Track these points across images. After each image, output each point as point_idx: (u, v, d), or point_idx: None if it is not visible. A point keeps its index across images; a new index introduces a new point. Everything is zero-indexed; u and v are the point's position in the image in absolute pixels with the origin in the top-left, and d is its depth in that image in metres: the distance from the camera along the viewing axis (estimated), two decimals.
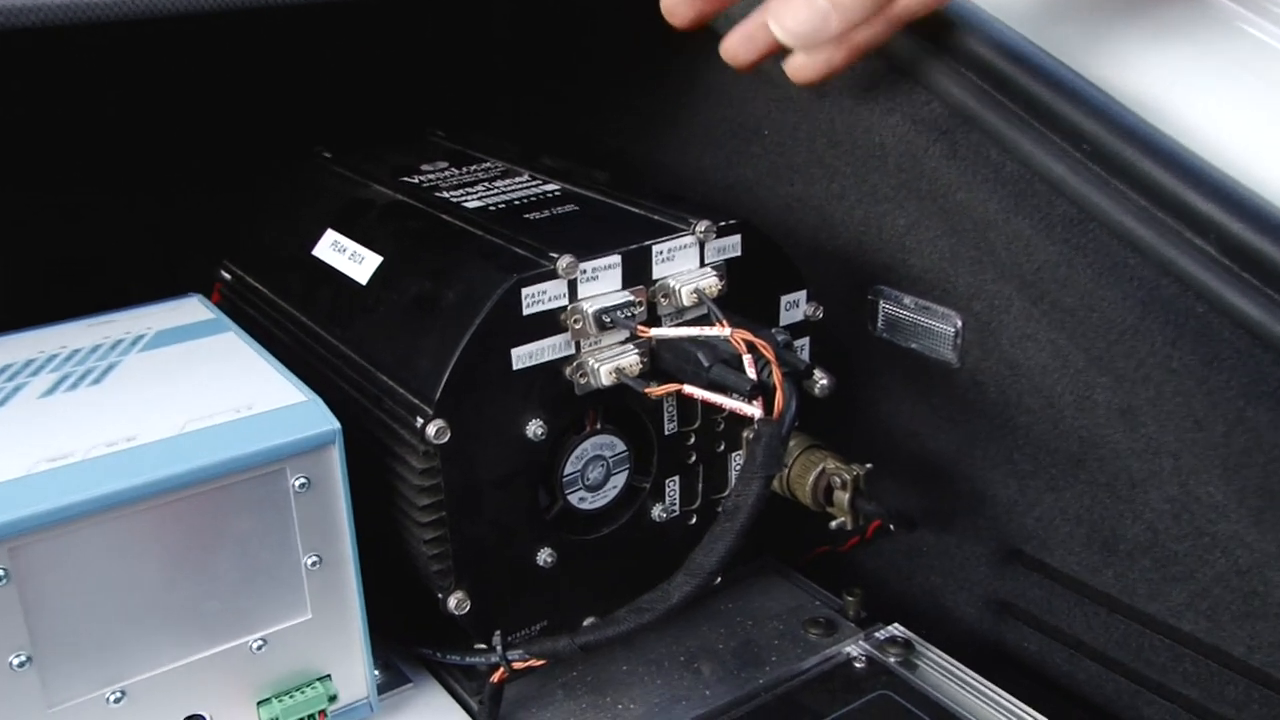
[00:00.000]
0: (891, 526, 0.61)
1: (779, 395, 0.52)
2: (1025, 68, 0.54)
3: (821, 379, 0.57)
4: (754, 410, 0.52)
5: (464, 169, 0.71)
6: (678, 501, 0.63)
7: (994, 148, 0.56)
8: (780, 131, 0.71)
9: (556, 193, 0.65)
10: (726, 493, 0.64)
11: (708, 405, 0.59)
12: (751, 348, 0.53)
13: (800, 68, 0.58)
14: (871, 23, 0.55)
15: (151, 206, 0.84)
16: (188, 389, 0.54)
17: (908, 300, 0.66)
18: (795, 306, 0.63)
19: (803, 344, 0.64)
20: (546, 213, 0.62)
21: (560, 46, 0.89)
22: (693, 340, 0.54)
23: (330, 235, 0.65)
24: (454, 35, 0.92)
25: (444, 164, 0.73)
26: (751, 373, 0.52)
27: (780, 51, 0.59)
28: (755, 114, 0.72)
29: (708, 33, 0.69)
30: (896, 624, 0.64)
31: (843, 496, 0.60)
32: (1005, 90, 0.55)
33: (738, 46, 0.61)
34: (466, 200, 0.64)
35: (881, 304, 0.68)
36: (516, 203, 0.63)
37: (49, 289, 0.81)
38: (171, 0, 0.53)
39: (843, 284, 0.69)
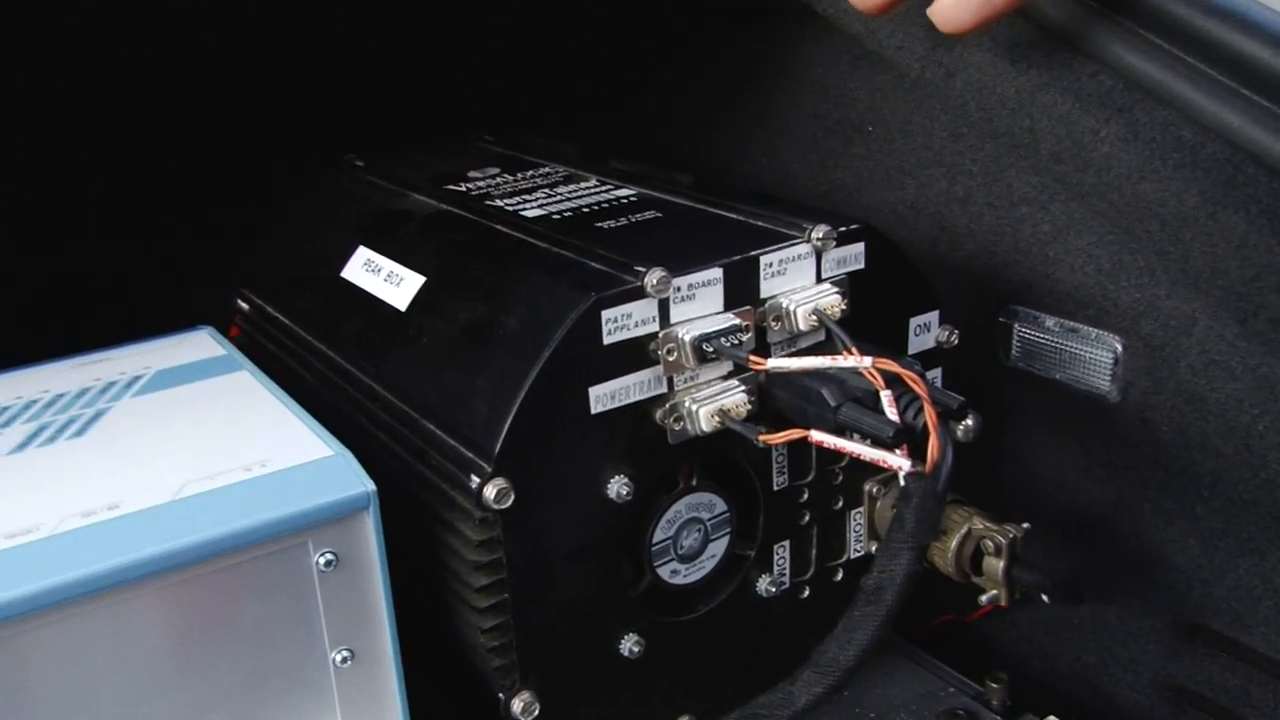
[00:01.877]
0: (1045, 598, 0.51)
1: (933, 442, 0.41)
2: (1229, 21, 0.43)
3: (967, 419, 0.47)
4: (901, 462, 0.41)
5: (519, 175, 0.62)
6: (788, 572, 0.52)
7: (1189, 126, 0.45)
8: (889, 126, 0.61)
9: (633, 198, 0.55)
10: (843, 558, 0.54)
11: (824, 455, 0.49)
12: (893, 382, 0.42)
13: (955, 7, 0.47)
14: None
15: (163, 226, 0.78)
16: (188, 442, 0.46)
17: (1050, 322, 0.56)
18: (926, 330, 0.53)
19: (935, 376, 0.54)
20: (624, 220, 0.52)
21: (622, 39, 0.80)
22: (814, 374, 0.44)
23: (362, 253, 0.56)
24: (502, 27, 0.84)
25: (495, 170, 0.63)
26: (893, 414, 0.42)
27: None
28: (858, 107, 0.63)
29: (796, 10, 0.60)
30: (1054, 717, 0.53)
31: (996, 564, 0.49)
32: (1201, 52, 0.45)
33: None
34: (525, 208, 0.55)
35: (1017, 327, 0.58)
36: (586, 210, 0.54)
37: (45, 322, 0.75)
38: None
39: (968, 304, 0.59)
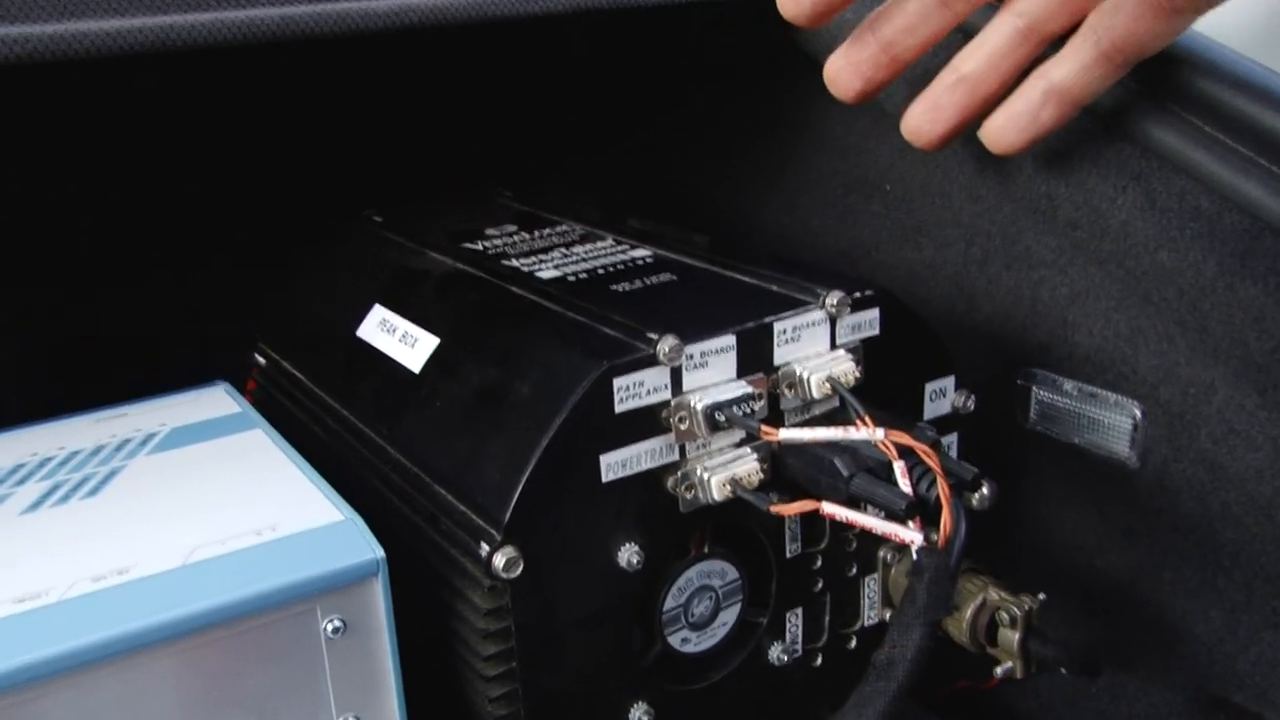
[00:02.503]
0: (1063, 670, 0.50)
1: (945, 516, 0.40)
2: (1248, 91, 0.43)
3: (982, 488, 0.46)
4: (914, 536, 0.40)
5: (536, 233, 0.61)
6: (800, 639, 0.51)
7: (1206, 195, 0.45)
8: (907, 186, 0.61)
9: (648, 259, 0.55)
10: (857, 626, 0.53)
11: (838, 522, 0.48)
12: (906, 453, 0.41)
13: (1004, 130, 0.48)
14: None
15: (184, 277, 0.77)
16: (200, 504, 0.46)
17: (1069, 386, 0.55)
18: (942, 396, 0.52)
19: (950, 441, 0.53)
20: (639, 283, 0.51)
21: (642, 94, 0.80)
22: (827, 443, 0.43)
23: (378, 312, 0.56)
24: (520, 83, 0.84)
25: (512, 227, 0.63)
26: (906, 485, 0.41)
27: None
28: (877, 166, 0.62)
29: (817, 70, 0.60)
30: None
31: (1011, 636, 0.48)
32: (1219, 121, 0.44)
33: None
34: (540, 269, 0.54)
35: (1035, 390, 0.57)
36: (601, 271, 0.53)
37: (67, 376, 0.74)
38: (199, 32, 0.44)
39: (986, 367, 0.58)
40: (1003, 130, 0.47)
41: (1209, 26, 0.45)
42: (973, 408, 0.53)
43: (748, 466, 0.45)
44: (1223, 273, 0.45)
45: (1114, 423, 0.54)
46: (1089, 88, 0.45)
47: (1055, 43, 0.46)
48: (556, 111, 0.85)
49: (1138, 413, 0.52)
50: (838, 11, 0.48)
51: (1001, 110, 0.48)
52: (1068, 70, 0.45)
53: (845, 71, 0.50)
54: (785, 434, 0.43)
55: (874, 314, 0.49)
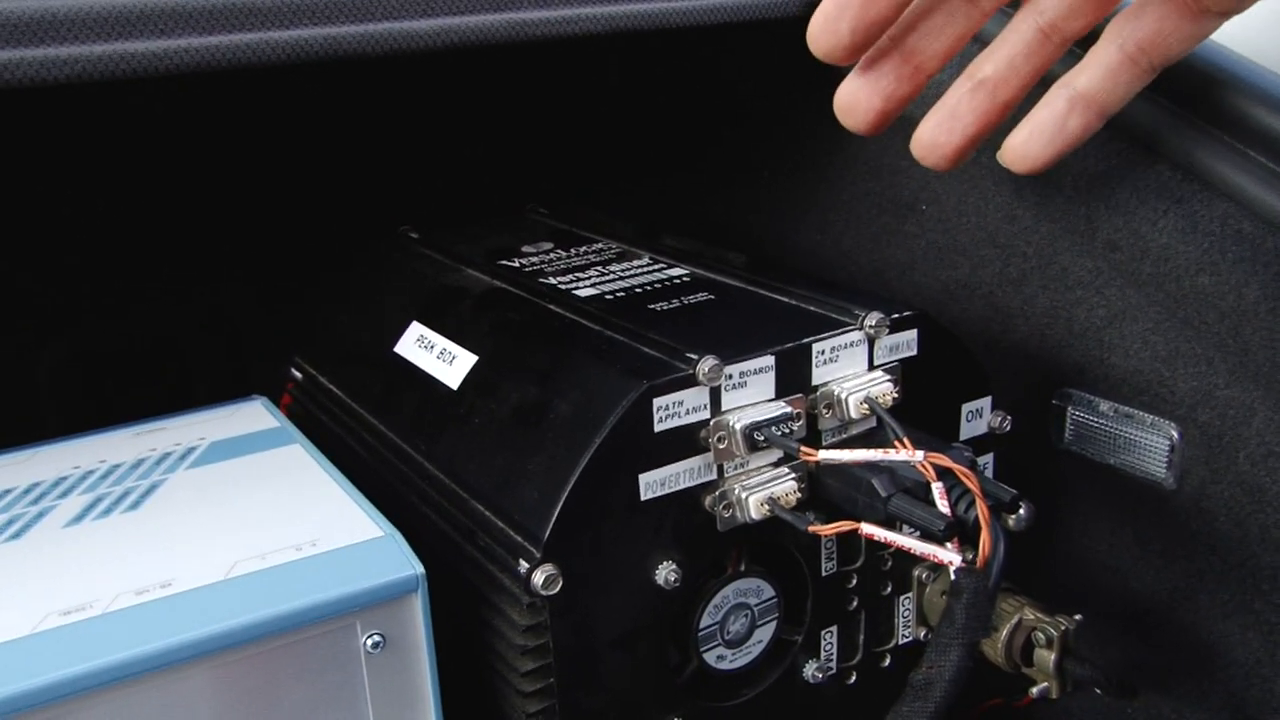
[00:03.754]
0: (1098, 691, 0.50)
1: (984, 537, 0.40)
2: None
3: (1020, 509, 0.46)
4: (952, 557, 0.40)
5: (572, 251, 0.62)
6: (835, 657, 0.51)
7: (1249, 219, 0.45)
8: (942, 206, 0.61)
9: (685, 278, 0.55)
10: (891, 644, 0.53)
11: (874, 541, 0.48)
12: (944, 474, 0.41)
13: (1028, 143, 0.45)
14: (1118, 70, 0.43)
15: (223, 292, 0.78)
16: (240, 518, 0.46)
17: (1105, 406, 0.55)
18: (978, 416, 0.52)
19: (986, 462, 0.53)
20: (676, 302, 0.52)
21: (677, 115, 0.80)
22: (865, 464, 0.43)
23: (415, 329, 0.56)
24: (556, 102, 0.84)
25: (548, 245, 0.63)
26: (944, 506, 0.41)
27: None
28: (910, 186, 0.62)
29: None
30: None
31: (1047, 656, 0.48)
32: (1261, 145, 0.44)
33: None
34: (578, 287, 0.55)
35: (1070, 410, 0.57)
36: (639, 290, 0.54)
37: (105, 389, 0.75)
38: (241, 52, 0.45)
39: (1021, 387, 0.58)
40: (1026, 144, 0.45)
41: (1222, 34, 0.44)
42: (1009, 428, 0.53)
43: (785, 486, 0.45)
44: (1265, 296, 0.45)
45: (1150, 444, 0.54)
46: (1115, 93, 0.43)
47: (1077, 53, 0.45)
48: (593, 131, 0.86)
49: (1175, 434, 0.52)
50: (873, 44, 0.46)
51: (1024, 124, 0.45)
52: (1091, 75, 0.43)
53: (863, 91, 0.47)
54: (824, 455, 0.43)
55: (912, 335, 0.49)
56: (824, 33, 0.44)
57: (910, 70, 0.46)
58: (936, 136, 0.46)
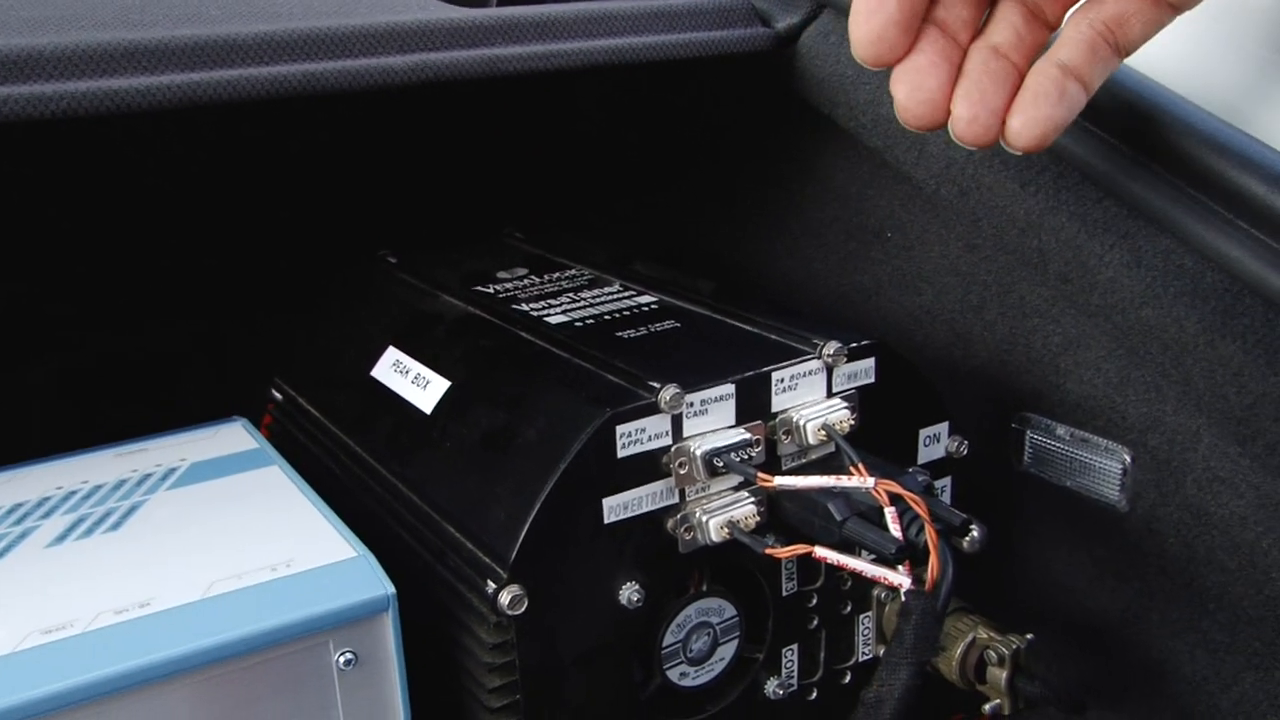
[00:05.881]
0: (1053, 707, 0.51)
1: (933, 560, 0.42)
2: (1229, 157, 0.44)
3: (973, 531, 0.48)
4: (901, 579, 0.42)
5: (546, 277, 0.63)
6: (796, 674, 0.53)
7: (1189, 255, 0.46)
8: (907, 234, 0.62)
9: (653, 306, 0.57)
10: (851, 661, 0.54)
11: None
12: (896, 500, 0.43)
13: (1034, 103, 0.41)
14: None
15: (207, 314, 0.79)
16: (218, 539, 0.48)
17: (1061, 430, 0.57)
18: (935, 441, 0.54)
19: (944, 485, 0.55)
20: (643, 329, 0.53)
21: (653, 142, 0.82)
22: (822, 490, 0.45)
23: (391, 354, 0.57)
24: (533, 128, 0.85)
25: (523, 271, 0.65)
26: (896, 530, 0.43)
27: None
28: (877, 214, 0.64)
29: (820, 122, 0.61)
30: None
31: (999, 674, 0.50)
32: (1202, 185, 0.46)
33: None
34: (549, 314, 0.56)
35: (1029, 434, 0.58)
36: (607, 317, 0.55)
37: (87, 409, 0.76)
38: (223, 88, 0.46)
39: (981, 411, 0.60)
40: (1033, 107, 0.41)
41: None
42: (965, 452, 0.54)
43: (745, 510, 0.47)
44: (1204, 330, 0.46)
45: (1105, 467, 0.55)
46: (1095, 68, 0.42)
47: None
48: (570, 157, 0.87)
49: (1127, 458, 0.54)
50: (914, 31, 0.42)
51: (1023, 94, 0.42)
52: (1070, 51, 0.42)
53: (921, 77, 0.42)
54: (780, 481, 0.45)
55: (870, 363, 0.50)
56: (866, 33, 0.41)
57: (949, 43, 0.42)
58: (978, 113, 0.42)
